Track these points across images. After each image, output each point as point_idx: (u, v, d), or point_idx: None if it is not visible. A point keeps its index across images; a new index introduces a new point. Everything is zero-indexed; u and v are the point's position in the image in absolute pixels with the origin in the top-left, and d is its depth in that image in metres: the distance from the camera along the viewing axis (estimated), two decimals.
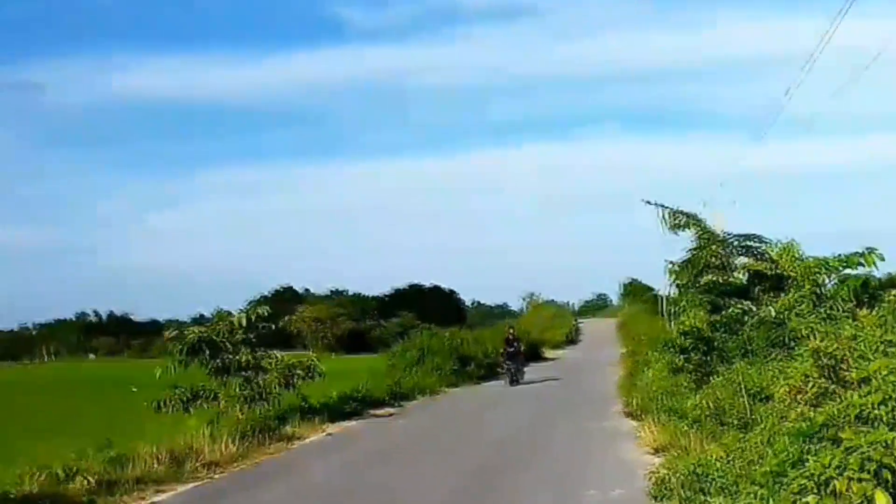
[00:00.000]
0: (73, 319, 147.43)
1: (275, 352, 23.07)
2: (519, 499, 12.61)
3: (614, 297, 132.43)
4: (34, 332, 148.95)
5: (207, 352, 21.29)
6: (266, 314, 22.78)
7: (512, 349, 35.56)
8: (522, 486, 13.58)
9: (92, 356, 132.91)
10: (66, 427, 22.69)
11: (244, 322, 21.78)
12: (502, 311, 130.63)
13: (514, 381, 34.61)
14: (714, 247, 18.74)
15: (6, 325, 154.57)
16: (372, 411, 25.58)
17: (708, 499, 9.72)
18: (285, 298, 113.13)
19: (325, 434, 20.89)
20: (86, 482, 13.38)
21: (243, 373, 21.42)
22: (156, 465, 15.12)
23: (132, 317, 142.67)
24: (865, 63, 15.87)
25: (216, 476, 15.59)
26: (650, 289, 78.90)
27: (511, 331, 37.68)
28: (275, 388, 21.51)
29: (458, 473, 15.03)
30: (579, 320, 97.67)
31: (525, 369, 36.81)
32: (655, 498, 11.41)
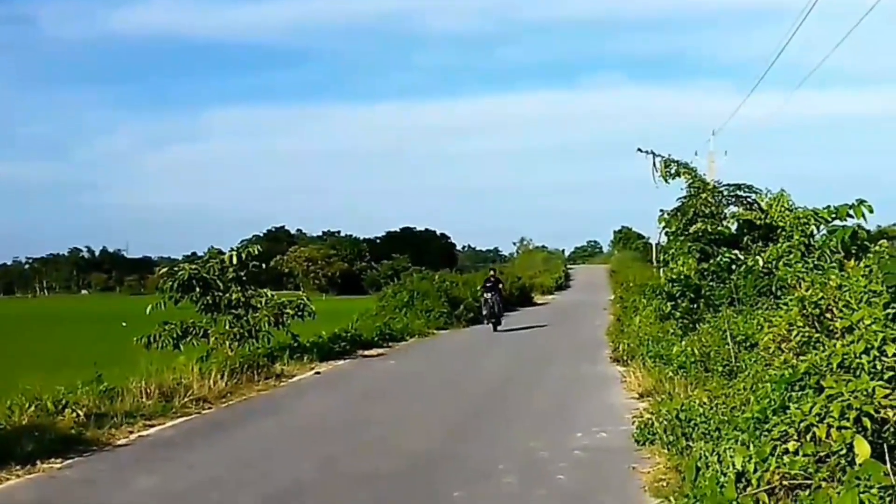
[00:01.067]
0: (67, 255, 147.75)
1: (266, 290, 23.15)
2: (505, 439, 12.74)
3: (606, 245, 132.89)
4: (28, 267, 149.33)
5: (198, 289, 21.38)
6: (257, 253, 22.87)
7: (490, 284, 33.74)
8: (509, 428, 13.72)
9: (85, 291, 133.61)
10: (57, 361, 22.83)
11: (235, 260, 21.85)
12: (494, 256, 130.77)
13: (494, 318, 33.04)
14: (705, 195, 18.79)
15: (0, 259, 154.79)
16: (362, 352, 25.74)
17: (690, 443, 9.83)
18: (279, 238, 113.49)
19: (314, 373, 21.03)
20: (76, 415, 13.45)
21: (234, 310, 21.53)
22: (145, 400, 15.22)
23: (125, 254, 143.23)
24: (861, 15, 15.80)
25: (205, 411, 15.72)
26: (642, 237, 79.28)
27: (493, 272, 36.34)
28: (265, 325, 21.64)
29: (445, 413, 15.17)
30: (570, 266, 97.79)
31: (505, 315, 35.56)
32: (639, 441, 11.56)
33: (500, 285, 35.11)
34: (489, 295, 33.49)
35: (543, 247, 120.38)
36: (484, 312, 33.72)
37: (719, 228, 18.68)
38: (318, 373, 21.09)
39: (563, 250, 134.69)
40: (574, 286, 74.19)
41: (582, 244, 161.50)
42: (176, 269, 21.97)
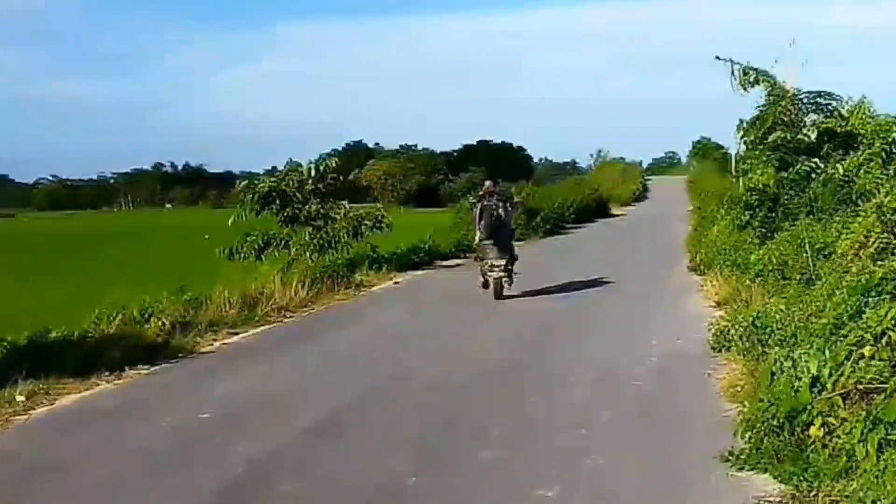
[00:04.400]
0: (151, 170, 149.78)
1: (343, 203, 23.39)
2: (581, 347, 12.85)
3: (684, 156, 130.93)
4: (113, 182, 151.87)
5: (278, 202, 21.71)
6: (334, 166, 23.09)
7: (490, 203, 18.01)
8: (585, 336, 13.83)
9: (169, 206, 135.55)
10: (143, 273, 23.38)
11: (313, 173, 22.12)
12: (571, 168, 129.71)
13: (498, 254, 17.63)
14: (784, 103, 18.38)
15: (86, 175, 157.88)
16: (439, 263, 25.95)
17: (766, 350, 9.84)
18: (356, 153, 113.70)
19: (392, 282, 21.31)
20: (161, 324, 13.84)
21: (313, 222, 21.82)
22: (228, 309, 15.56)
23: (207, 168, 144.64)
24: None
25: (286, 320, 16.06)
26: (721, 147, 77.93)
27: (489, 185, 19.18)
28: (344, 237, 21.90)
29: (520, 323, 15.31)
30: (648, 178, 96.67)
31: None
32: (715, 348, 11.60)
33: (506, 203, 18.72)
34: (491, 209, 17.96)
35: (621, 158, 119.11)
36: (478, 237, 18.13)
37: (798, 137, 18.30)
38: (396, 283, 21.36)
39: (640, 162, 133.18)
40: (652, 198, 73.46)
41: (660, 156, 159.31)
42: (256, 182, 22.31)
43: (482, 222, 17.88)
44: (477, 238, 18.29)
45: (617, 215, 52.04)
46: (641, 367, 11.27)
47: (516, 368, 11.55)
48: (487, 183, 19.37)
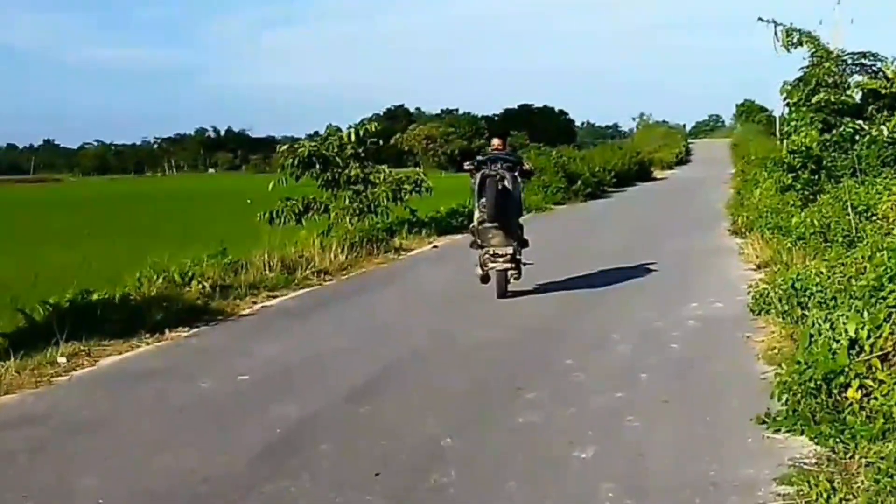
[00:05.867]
0: (194, 135, 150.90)
1: (384, 167, 23.43)
2: (619, 310, 12.83)
3: (728, 119, 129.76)
4: (156, 147, 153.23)
5: (318, 166, 21.78)
6: (375, 130, 23.08)
7: (495, 171, 13.65)
8: (623, 299, 13.80)
9: (212, 170, 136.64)
10: (185, 236, 23.56)
11: (353, 137, 22.14)
12: (613, 132, 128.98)
13: (499, 230, 13.72)
14: (828, 64, 18.19)
15: (130, 140, 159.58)
16: None
17: (805, 312, 9.78)
18: (398, 117, 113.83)
19: (431, 246, 21.36)
20: (201, 286, 13.97)
21: (353, 186, 21.89)
22: (268, 272, 15.69)
23: (250, 133, 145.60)
24: None
25: (326, 283, 16.16)
26: (765, 109, 77.24)
27: (497, 143, 14.74)
28: (383, 201, 21.95)
29: (567, 278, 15.30)
30: (691, 141, 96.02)
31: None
32: (754, 311, 11.54)
33: (518, 171, 14.19)
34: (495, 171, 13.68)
35: (664, 122, 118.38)
36: (478, 217, 13.93)
37: (843, 98, 18.12)
38: (435, 246, 21.41)
39: (683, 125, 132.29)
40: (694, 161, 73.02)
41: (703, 118, 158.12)
42: (296, 146, 22.37)
43: (484, 198, 13.52)
44: (476, 218, 13.89)
45: (658, 179, 51.79)
46: (680, 330, 11.24)
47: (554, 331, 11.57)
48: (495, 141, 14.71)
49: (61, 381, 9.60)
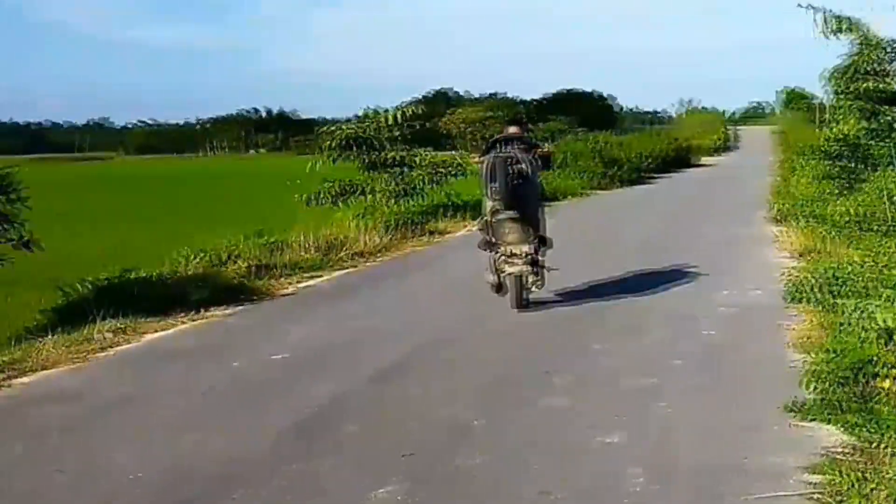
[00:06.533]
0: (237, 116, 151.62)
1: (422, 150, 23.47)
2: (652, 296, 12.78)
3: (771, 107, 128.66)
4: (200, 127, 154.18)
5: (357, 148, 21.83)
6: (414, 113, 23.10)
7: (507, 153, 11.34)
8: (656, 285, 13.75)
9: (254, 151, 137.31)
10: (226, 216, 23.79)
11: (392, 120, 22.17)
12: (656, 118, 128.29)
13: (517, 222, 11.39)
14: (871, 52, 17.95)
15: (173, 119, 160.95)
16: None
17: (839, 301, 9.72)
18: (439, 101, 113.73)
19: (467, 230, 21.36)
20: (239, 266, 14.14)
21: (391, 169, 21.93)
22: (305, 254, 15.83)
23: (293, 115, 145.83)
24: None
25: (362, 265, 16.25)
26: (806, 97, 76.56)
27: (514, 130, 12.15)
28: (422, 183, 22.00)
29: (590, 271, 15.23)
30: (734, 128, 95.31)
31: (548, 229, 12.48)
32: (788, 299, 11.48)
33: (534, 156, 11.73)
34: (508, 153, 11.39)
35: (706, 108, 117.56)
36: (489, 207, 11.43)
37: (885, 86, 17.88)
38: (471, 230, 21.41)
39: (725, 112, 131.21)
40: (736, 148, 72.48)
41: (746, 106, 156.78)
42: (335, 128, 22.44)
43: (495, 183, 11.09)
44: (488, 208, 11.31)
45: (699, 166, 51.39)
46: (714, 317, 11.21)
47: (585, 316, 11.55)
48: (511, 129, 12.12)
49: (98, 357, 9.77)
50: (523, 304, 11.45)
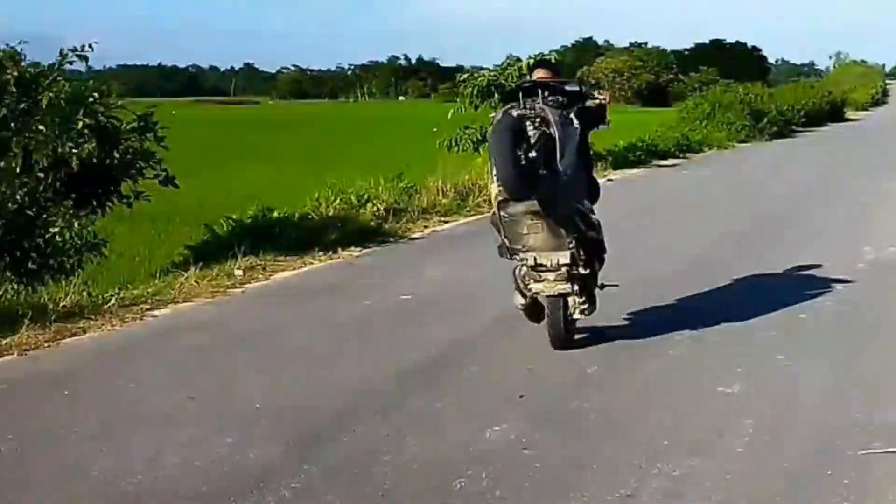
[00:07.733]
0: (386, 63, 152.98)
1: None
2: (792, 247, 12.54)
3: None
4: (350, 73, 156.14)
5: (496, 95, 21.84)
6: (555, 61, 22.93)
7: (530, 111, 7.12)
8: (798, 236, 13.53)
9: (402, 98, 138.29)
10: (369, 160, 24.19)
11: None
12: (809, 71, 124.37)
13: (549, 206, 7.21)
14: None
15: (325, 65, 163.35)
16: (657, 162, 25.71)
17: None
18: (586, 49, 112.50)
19: (606, 179, 21.28)
20: (376, 209, 14.44)
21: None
22: (441, 198, 16.04)
23: (440, 62, 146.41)
24: None
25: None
26: None
27: (544, 74, 7.78)
28: None
29: (728, 224, 15.05)
30: (889, 82, 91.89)
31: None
32: None
33: (574, 114, 7.24)
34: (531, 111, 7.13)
35: (862, 61, 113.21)
36: (495, 190, 7.37)
37: None
38: (610, 180, 21.32)
39: (882, 65, 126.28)
40: (892, 102, 69.97)
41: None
42: (475, 75, 22.48)
43: (504, 156, 7.19)
44: (494, 191, 7.48)
45: (852, 120, 49.91)
46: (849, 273, 10.90)
47: (716, 265, 11.41)
48: (540, 72, 7.94)
49: (235, 292, 10.17)
50: (564, 337, 7.73)
